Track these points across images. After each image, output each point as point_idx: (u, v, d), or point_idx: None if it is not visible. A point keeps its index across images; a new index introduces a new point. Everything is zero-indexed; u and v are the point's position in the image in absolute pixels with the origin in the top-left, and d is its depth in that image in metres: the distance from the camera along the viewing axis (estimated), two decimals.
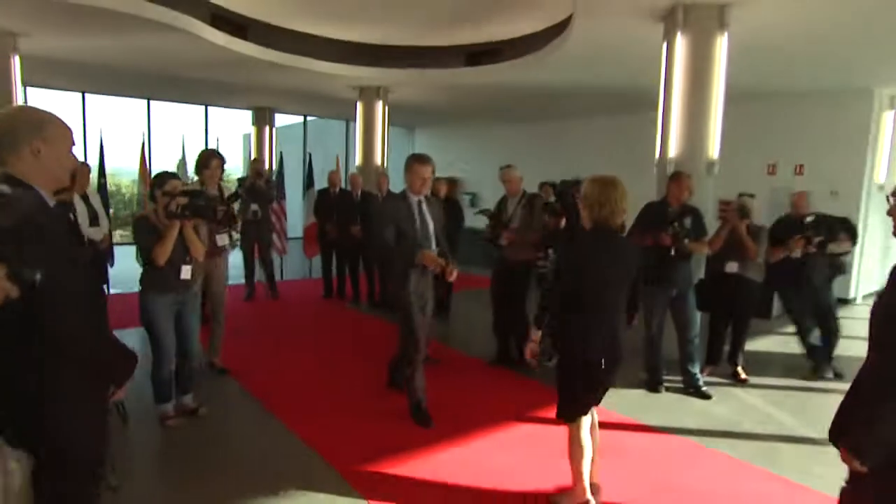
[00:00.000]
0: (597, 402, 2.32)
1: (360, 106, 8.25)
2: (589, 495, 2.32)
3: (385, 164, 8.44)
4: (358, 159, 8.40)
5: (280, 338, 5.17)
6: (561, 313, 2.03)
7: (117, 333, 1.64)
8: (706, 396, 3.85)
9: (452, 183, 11.31)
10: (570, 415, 2.27)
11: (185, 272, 3.12)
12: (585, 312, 2.01)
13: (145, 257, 3.06)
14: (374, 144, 8.27)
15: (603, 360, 2.09)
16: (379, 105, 8.20)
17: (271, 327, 5.53)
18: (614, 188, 2.00)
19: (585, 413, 2.27)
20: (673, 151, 4.58)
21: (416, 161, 3.05)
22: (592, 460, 2.34)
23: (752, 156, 7.49)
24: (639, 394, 4.02)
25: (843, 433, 1.40)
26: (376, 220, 3.01)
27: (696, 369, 3.89)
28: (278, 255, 7.69)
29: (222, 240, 3.77)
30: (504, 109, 9.51)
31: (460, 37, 6.89)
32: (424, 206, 3.08)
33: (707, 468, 2.99)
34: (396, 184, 14.55)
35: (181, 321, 3.17)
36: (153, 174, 3.02)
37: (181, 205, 3.01)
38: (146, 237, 3.01)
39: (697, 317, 3.85)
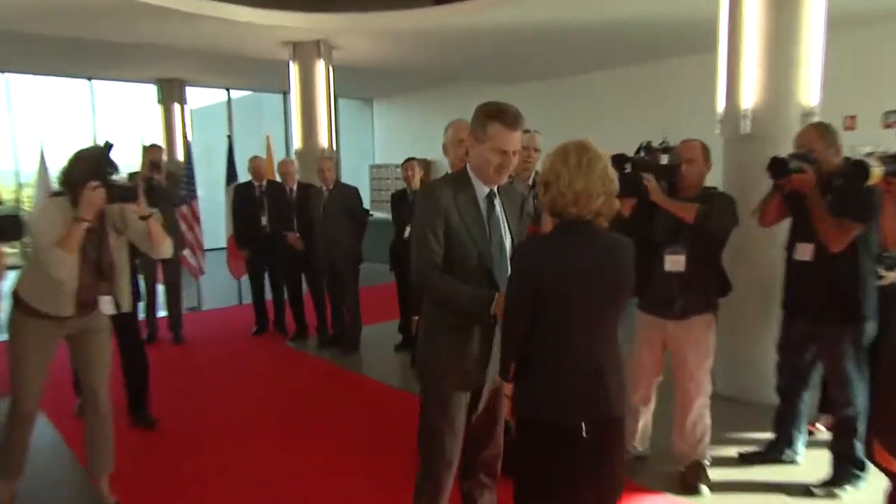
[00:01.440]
0: None
1: (294, 69, 7.41)
2: None
3: (334, 146, 7.71)
4: (296, 141, 7.58)
5: (192, 414, 4.14)
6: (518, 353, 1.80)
7: None
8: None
9: (424, 168, 10.71)
10: None
11: None
12: (548, 348, 1.75)
13: None
14: (316, 120, 7.44)
15: (583, 424, 1.74)
16: (320, 66, 7.36)
17: (180, 394, 4.55)
18: (580, 159, 1.70)
19: None
20: (749, 100, 3.78)
21: (495, 118, 1.99)
22: None
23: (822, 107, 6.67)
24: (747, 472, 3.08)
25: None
26: (415, 227, 2.09)
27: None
28: (194, 278, 6.79)
29: (106, 306, 2.73)
30: (491, 65, 8.87)
31: None
32: (499, 205, 2.14)
33: None
34: (351, 173, 13.51)
35: None
36: None
37: None
38: None
39: (861, 384, 2.78)
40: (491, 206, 2.10)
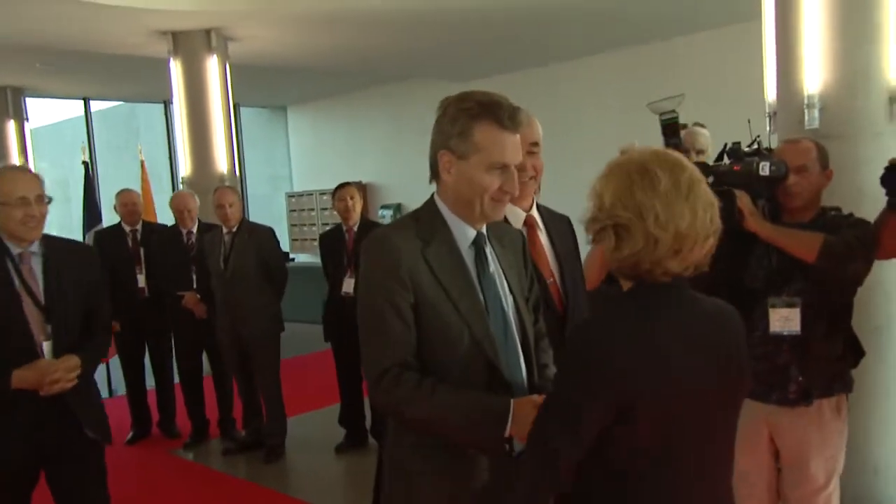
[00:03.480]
0: None
1: (176, 68, 7.21)
2: None
3: (237, 171, 7.55)
4: (183, 166, 7.36)
5: None
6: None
7: None
8: None
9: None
10: None
11: None
12: (636, 496, 1.49)
13: None
14: (209, 137, 7.25)
15: None
16: (212, 64, 7.19)
17: None
18: (676, 181, 1.46)
19: None
20: (814, 83, 3.60)
21: (484, 116, 1.75)
22: None
23: None
24: None
25: None
26: (364, 306, 1.83)
27: None
28: None
29: None
30: (440, 58, 8.92)
31: None
32: (492, 256, 1.93)
33: None
34: (262, 204, 13.20)
35: None
36: None
37: None
38: None
39: None
40: (482, 259, 1.84)
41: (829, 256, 2.41)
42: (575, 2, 6.64)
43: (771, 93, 3.88)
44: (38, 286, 2.58)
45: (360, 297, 1.80)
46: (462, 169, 1.75)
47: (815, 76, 3.62)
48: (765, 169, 2.51)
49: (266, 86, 10.59)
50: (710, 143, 3.27)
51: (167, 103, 10.72)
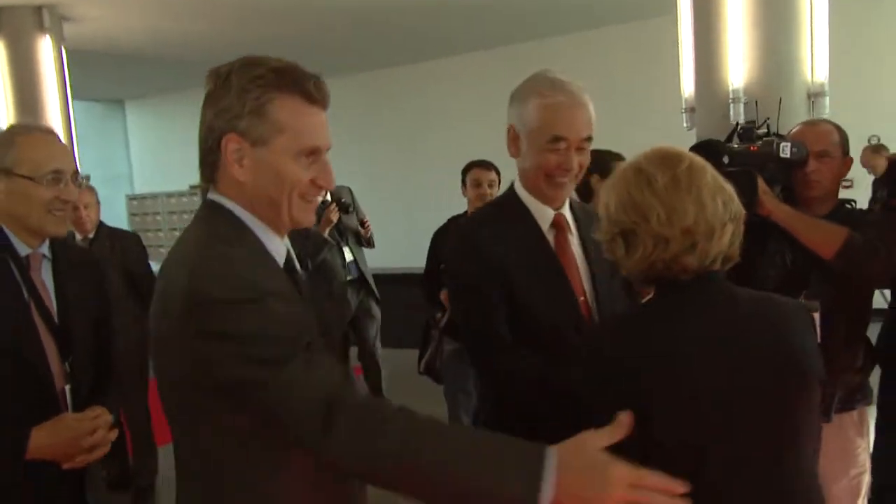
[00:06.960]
0: None
1: (0, 49, 6.44)
2: None
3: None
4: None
5: None
6: None
7: None
8: None
9: None
10: None
11: None
12: None
13: None
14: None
15: None
16: (45, 45, 6.49)
17: None
18: (673, 173, 1.45)
19: None
20: (738, 77, 3.60)
21: (287, 87, 1.37)
22: None
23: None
24: None
25: None
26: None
27: None
28: None
29: None
30: (298, 50, 8.54)
31: None
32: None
33: None
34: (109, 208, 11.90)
35: None
36: None
37: None
38: None
39: None
40: (299, 285, 1.52)
41: (850, 255, 2.21)
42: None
43: (687, 88, 3.84)
44: (52, 303, 1.79)
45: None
46: (261, 158, 1.33)
47: (738, 70, 3.61)
48: (786, 150, 2.28)
49: (101, 76, 9.76)
50: None
51: None
